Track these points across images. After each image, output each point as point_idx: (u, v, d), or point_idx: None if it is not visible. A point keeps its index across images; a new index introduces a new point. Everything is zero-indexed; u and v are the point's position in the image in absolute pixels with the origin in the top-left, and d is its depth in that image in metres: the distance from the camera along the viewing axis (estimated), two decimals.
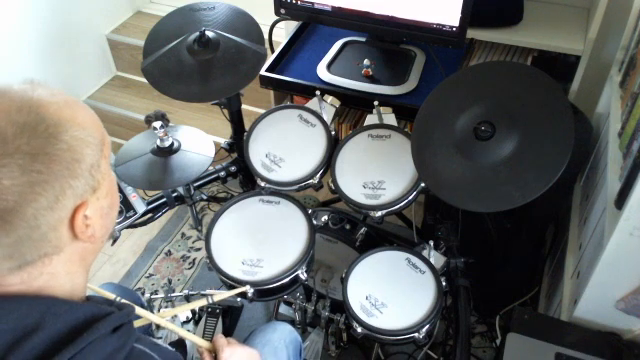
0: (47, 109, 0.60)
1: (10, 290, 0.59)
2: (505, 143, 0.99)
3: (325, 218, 1.36)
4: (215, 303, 1.58)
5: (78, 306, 0.62)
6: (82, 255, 0.65)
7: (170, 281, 1.84)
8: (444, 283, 1.14)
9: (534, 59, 1.64)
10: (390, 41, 1.60)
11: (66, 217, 0.59)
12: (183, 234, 2.00)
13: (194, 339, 0.92)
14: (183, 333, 0.93)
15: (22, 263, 0.58)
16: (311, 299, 1.43)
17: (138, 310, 0.93)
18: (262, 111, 1.34)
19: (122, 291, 1.19)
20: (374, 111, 1.30)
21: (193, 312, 1.59)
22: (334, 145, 1.27)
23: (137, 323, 0.98)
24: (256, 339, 1.10)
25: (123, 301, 0.71)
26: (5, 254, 0.57)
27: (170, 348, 0.73)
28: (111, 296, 0.95)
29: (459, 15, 1.35)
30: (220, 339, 0.92)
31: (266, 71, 1.57)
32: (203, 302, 1.09)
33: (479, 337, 1.63)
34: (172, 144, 1.32)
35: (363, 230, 1.34)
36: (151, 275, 1.86)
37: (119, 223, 1.24)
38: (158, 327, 1.55)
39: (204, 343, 0.92)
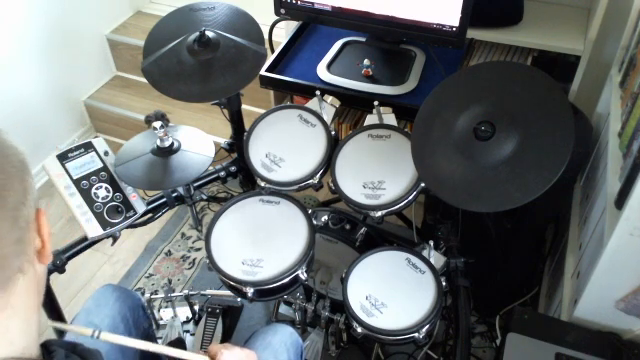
0: None
1: None
2: (505, 143, 0.99)
3: (325, 218, 1.36)
4: (214, 303, 1.58)
5: None
6: (29, 306, 0.56)
7: (170, 281, 1.84)
8: (444, 283, 1.14)
9: (534, 59, 1.64)
10: (390, 41, 1.60)
11: (33, 221, 0.55)
12: (183, 234, 2.00)
13: (188, 356, 0.86)
14: (172, 352, 0.85)
15: None
16: (311, 299, 1.43)
17: (113, 339, 0.84)
18: (262, 111, 1.34)
19: (122, 292, 1.19)
20: (374, 111, 1.30)
21: (193, 312, 1.59)
22: (334, 145, 1.27)
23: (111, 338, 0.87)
24: (257, 342, 1.10)
25: (88, 346, 0.63)
26: None
27: None
28: (88, 332, 0.82)
29: (459, 15, 1.35)
30: (214, 346, 0.87)
31: (266, 71, 1.57)
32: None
33: (479, 337, 1.63)
34: (172, 144, 1.32)
35: (363, 230, 1.34)
36: (151, 275, 1.86)
37: (119, 223, 1.24)
38: (158, 327, 1.56)
39: (202, 358, 0.86)
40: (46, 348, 0.58)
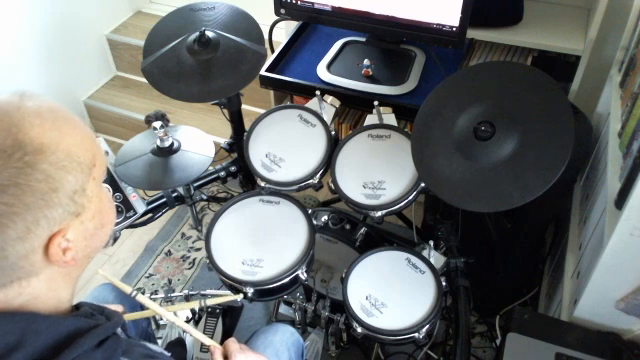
0: (28, 133, 0.54)
1: None
2: (505, 143, 0.99)
3: (325, 218, 1.36)
4: (210, 305, 1.58)
5: (61, 321, 0.59)
6: (65, 273, 0.62)
7: (170, 281, 1.84)
8: (444, 283, 1.14)
9: (534, 59, 1.64)
10: (390, 41, 1.60)
11: (39, 246, 0.56)
12: (183, 234, 2.00)
13: (204, 339, 0.91)
14: (193, 331, 0.91)
15: None
16: (311, 299, 1.43)
17: (147, 302, 0.94)
18: (262, 111, 1.34)
19: (120, 292, 1.19)
20: (374, 111, 1.30)
21: (193, 312, 1.59)
22: (334, 145, 1.27)
23: (132, 316, 1.00)
24: (258, 341, 1.10)
25: (113, 308, 0.69)
26: None
27: (166, 354, 0.71)
28: (128, 289, 0.96)
29: (459, 15, 1.35)
30: (233, 344, 0.89)
31: (266, 71, 1.57)
32: (195, 304, 1.10)
33: (479, 337, 1.63)
34: (172, 144, 1.32)
35: (363, 230, 1.34)
36: (151, 275, 1.86)
37: (119, 223, 1.24)
38: (158, 327, 1.55)
39: (213, 343, 0.90)
40: (76, 306, 0.66)
